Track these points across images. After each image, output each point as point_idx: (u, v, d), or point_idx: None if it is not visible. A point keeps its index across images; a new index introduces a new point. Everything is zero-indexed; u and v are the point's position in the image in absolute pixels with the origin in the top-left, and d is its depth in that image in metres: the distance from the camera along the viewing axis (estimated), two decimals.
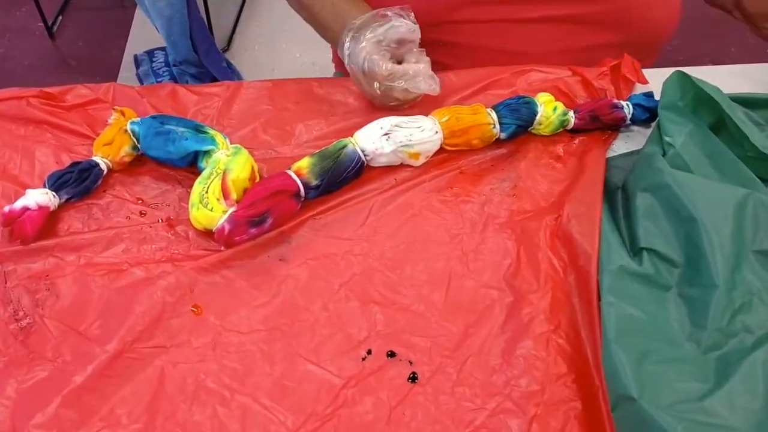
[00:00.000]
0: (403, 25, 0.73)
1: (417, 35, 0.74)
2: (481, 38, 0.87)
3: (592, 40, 0.86)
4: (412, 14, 0.74)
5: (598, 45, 0.86)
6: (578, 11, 0.84)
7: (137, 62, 1.99)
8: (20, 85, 0.79)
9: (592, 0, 0.83)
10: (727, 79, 0.77)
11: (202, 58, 1.82)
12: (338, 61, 1.06)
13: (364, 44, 0.72)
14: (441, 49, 0.82)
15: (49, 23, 2.11)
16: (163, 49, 1.95)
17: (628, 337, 0.57)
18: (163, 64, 1.95)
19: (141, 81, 1.95)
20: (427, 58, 0.75)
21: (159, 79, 1.91)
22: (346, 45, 0.74)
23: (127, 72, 2.00)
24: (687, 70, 0.73)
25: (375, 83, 0.73)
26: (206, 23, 1.89)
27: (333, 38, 0.82)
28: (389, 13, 0.74)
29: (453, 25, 0.83)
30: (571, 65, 0.82)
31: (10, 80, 1.99)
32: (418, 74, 0.72)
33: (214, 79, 1.86)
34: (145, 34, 2.05)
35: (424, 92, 0.74)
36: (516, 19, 0.84)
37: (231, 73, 1.93)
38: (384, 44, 0.72)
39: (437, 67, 0.75)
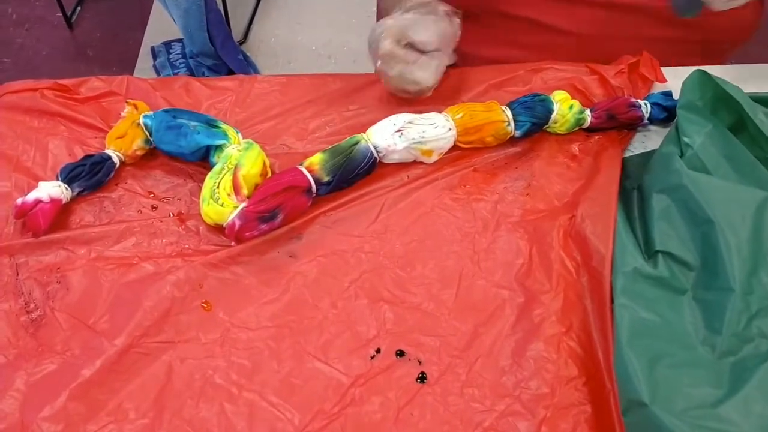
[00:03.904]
0: (430, 40, 0.72)
1: (433, 47, 0.72)
2: (544, 15, 0.84)
3: (659, 32, 0.83)
4: (457, 20, 0.74)
5: (664, 38, 0.83)
6: (647, 2, 0.81)
7: (154, 54, 2.00)
8: (38, 75, 0.79)
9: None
10: (750, 78, 0.76)
11: (219, 50, 1.81)
12: None
13: (390, 21, 0.71)
14: (502, 23, 0.79)
15: (68, 14, 2.12)
16: (180, 40, 1.95)
17: (641, 341, 0.57)
18: (180, 55, 1.95)
19: (158, 72, 1.95)
20: (441, 59, 0.73)
21: (176, 71, 1.91)
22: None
23: (143, 63, 2.01)
24: (709, 68, 0.72)
25: (377, 60, 0.72)
26: (223, 15, 1.89)
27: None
28: (440, 8, 0.73)
29: None
30: (636, 54, 0.80)
31: (28, 70, 2.00)
32: (417, 62, 0.70)
33: (231, 72, 1.86)
34: (162, 25, 2.06)
35: (416, 82, 0.72)
36: (582, 1, 0.82)
37: (247, 65, 1.93)
38: (406, 31, 0.71)
39: (494, 41, 0.73)
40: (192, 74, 1.89)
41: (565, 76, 0.80)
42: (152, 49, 2.01)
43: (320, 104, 0.78)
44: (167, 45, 1.99)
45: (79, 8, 2.19)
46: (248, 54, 1.99)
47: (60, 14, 2.10)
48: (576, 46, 0.84)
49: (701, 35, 0.84)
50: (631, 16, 0.83)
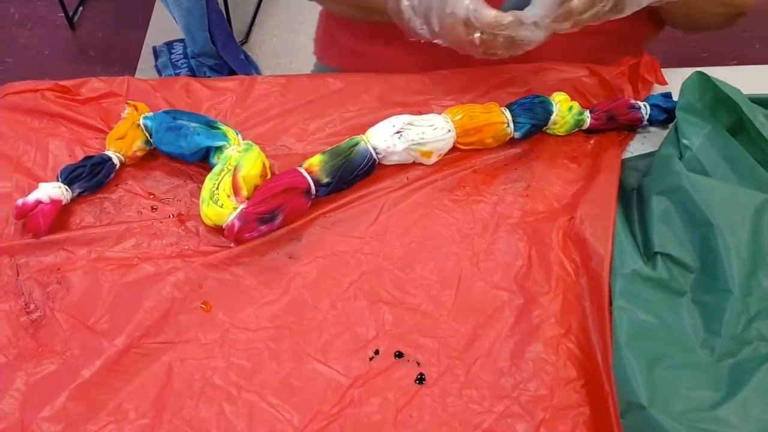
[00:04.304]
0: None
1: None
2: None
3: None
4: None
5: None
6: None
7: (156, 54, 2.00)
8: (40, 75, 0.80)
9: None
10: (750, 79, 0.76)
11: (220, 50, 1.82)
12: (320, 52, 1.03)
13: None
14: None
15: (70, 14, 2.12)
16: (182, 40, 1.95)
17: (640, 343, 0.57)
18: (182, 55, 1.96)
19: (159, 72, 1.95)
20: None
21: (177, 71, 1.91)
22: None
23: (145, 63, 2.01)
24: (709, 69, 0.72)
25: (476, 33, 0.66)
26: (225, 15, 1.89)
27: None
28: None
29: None
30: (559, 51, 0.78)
31: (30, 70, 2.01)
32: (520, 20, 0.65)
33: (232, 72, 1.86)
34: (164, 25, 2.06)
35: (528, 40, 0.66)
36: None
37: (248, 65, 1.93)
38: None
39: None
40: (194, 74, 1.89)
41: (565, 77, 0.80)
42: (154, 49, 2.02)
43: (320, 105, 0.79)
44: (169, 45, 2.00)
45: (81, 8, 2.19)
46: (249, 54, 1.99)
47: (62, 14, 2.10)
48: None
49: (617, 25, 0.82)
50: None
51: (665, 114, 0.76)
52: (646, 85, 0.79)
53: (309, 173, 0.67)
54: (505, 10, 0.65)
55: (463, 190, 0.72)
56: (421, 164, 0.73)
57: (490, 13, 0.64)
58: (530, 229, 0.68)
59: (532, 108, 0.73)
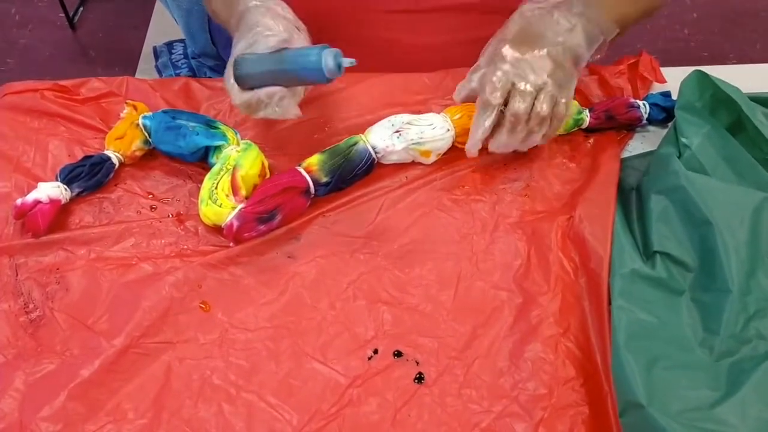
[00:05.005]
0: (274, 35, 0.64)
1: (289, 36, 0.65)
2: (391, 31, 0.82)
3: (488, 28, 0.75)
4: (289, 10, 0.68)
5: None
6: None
7: (156, 54, 2.00)
8: (40, 75, 0.80)
9: None
10: (750, 78, 0.76)
11: (221, 50, 1.81)
12: None
13: (232, 59, 0.65)
14: (352, 46, 0.68)
15: (70, 14, 2.12)
16: (182, 41, 1.95)
17: (639, 342, 0.57)
18: (182, 56, 1.95)
19: (160, 73, 1.95)
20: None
21: (178, 71, 1.91)
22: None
23: (146, 63, 2.01)
24: (709, 68, 0.72)
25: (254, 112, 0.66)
26: None
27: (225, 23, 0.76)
28: (270, 3, 0.68)
29: (359, 20, 0.75)
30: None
31: (31, 70, 2.01)
32: (273, 97, 0.63)
33: None
34: (164, 25, 2.06)
35: (285, 117, 0.65)
36: (422, 9, 0.81)
37: None
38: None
39: (357, 67, 0.63)
40: (194, 74, 1.89)
41: None
42: (154, 49, 2.01)
43: (319, 105, 0.78)
44: (169, 45, 2.00)
45: (81, 9, 2.19)
46: None
47: (63, 15, 2.10)
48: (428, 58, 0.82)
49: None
50: (474, 15, 0.81)
51: (664, 113, 0.76)
52: (645, 84, 0.79)
53: (308, 173, 0.67)
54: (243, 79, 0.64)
55: (462, 189, 0.72)
56: (420, 164, 0.73)
57: (240, 99, 0.64)
58: (529, 229, 0.68)
59: None
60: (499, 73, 0.66)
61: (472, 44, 0.74)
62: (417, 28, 0.83)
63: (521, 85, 0.66)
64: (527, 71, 0.66)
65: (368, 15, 0.67)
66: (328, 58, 0.59)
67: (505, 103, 0.67)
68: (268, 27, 0.65)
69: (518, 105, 0.65)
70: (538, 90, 0.66)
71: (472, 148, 0.69)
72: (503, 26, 0.71)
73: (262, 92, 0.63)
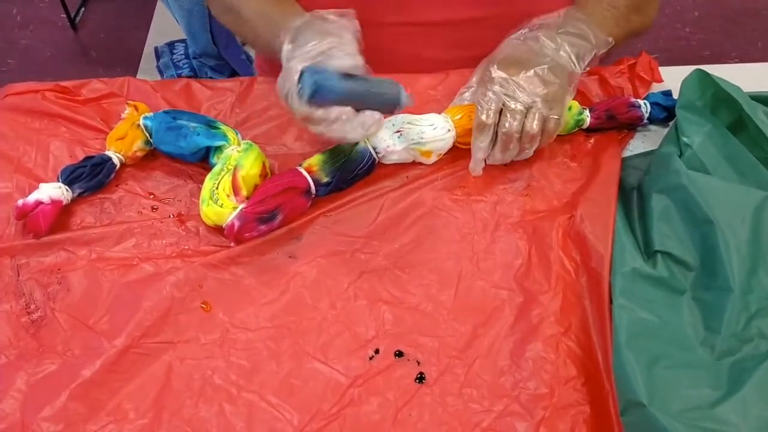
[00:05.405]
0: (347, 59, 0.64)
1: (360, 70, 0.65)
2: (397, 44, 0.84)
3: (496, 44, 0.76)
4: (355, 20, 0.67)
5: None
6: (479, 14, 0.81)
7: (158, 54, 2.00)
8: (42, 76, 0.80)
9: (494, 2, 0.80)
10: (751, 77, 0.76)
11: (222, 50, 1.82)
12: (260, 67, 1.02)
13: (292, 64, 0.63)
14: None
15: (72, 15, 2.13)
16: (183, 41, 1.96)
17: (640, 341, 0.57)
18: (184, 56, 1.96)
19: (161, 73, 1.96)
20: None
21: (179, 72, 1.92)
22: (286, 48, 0.65)
23: (147, 64, 2.02)
24: (710, 67, 0.72)
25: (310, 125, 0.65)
26: None
27: (264, 44, 0.75)
28: (330, 16, 0.67)
29: (364, 32, 0.71)
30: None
31: (32, 70, 2.01)
32: (341, 117, 0.63)
33: (234, 72, 1.86)
34: (166, 26, 2.06)
35: (349, 140, 0.66)
36: (429, 23, 0.82)
37: (250, 66, 1.93)
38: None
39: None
40: (195, 75, 1.89)
41: None
42: (156, 49, 2.02)
43: None
44: (171, 45, 2.00)
45: (83, 9, 2.20)
46: (251, 54, 1.99)
47: (64, 15, 2.11)
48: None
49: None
50: (468, 29, 0.82)
51: (665, 112, 0.76)
52: (644, 84, 0.79)
53: (309, 173, 0.67)
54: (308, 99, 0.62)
55: (463, 189, 0.72)
56: (420, 164, 0.73)
57: (300, 111, 0.63)
58: (530, 228, 0.68)
59: None
60: (489, 94, 0.69)
61: (479, 60, 0.76)
62: (424, 41, 0.84)
63: (511, 105, 0.68)
64: (516, 91, 0.68)
65: (373, 27, 0.68)
66: (403, 93, 0.65)
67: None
68: (347, 42, 0.65)
69: (509, 124, 0.68)
70: (528, 108, 0.68)
71: (475, 168, 0.71)
72: (494, 51, 0.73)
73: (335, 111, 0.63)
